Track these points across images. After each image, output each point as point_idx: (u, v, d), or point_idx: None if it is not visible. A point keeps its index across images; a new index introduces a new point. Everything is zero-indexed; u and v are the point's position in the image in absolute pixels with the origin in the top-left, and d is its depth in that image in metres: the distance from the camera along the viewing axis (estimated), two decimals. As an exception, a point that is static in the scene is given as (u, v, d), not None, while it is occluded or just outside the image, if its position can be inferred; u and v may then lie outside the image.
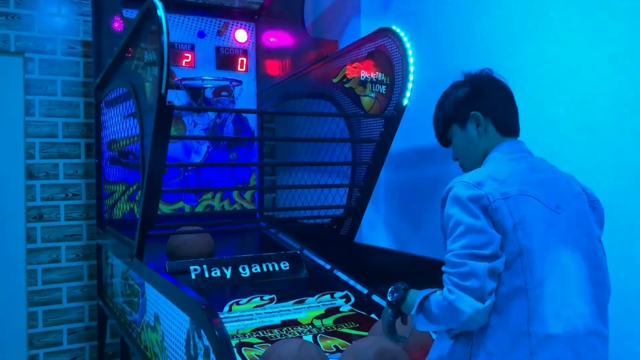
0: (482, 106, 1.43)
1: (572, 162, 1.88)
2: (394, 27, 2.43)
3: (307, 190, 3.34)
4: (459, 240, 1.23)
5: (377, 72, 2.52)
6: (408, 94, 2.36)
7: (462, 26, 2.53)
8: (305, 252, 3.05)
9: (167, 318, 1.96)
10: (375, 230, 3.03)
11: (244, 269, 2.74)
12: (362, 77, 2.62)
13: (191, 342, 1.69)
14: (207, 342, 1.54)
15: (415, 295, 1.35)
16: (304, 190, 3.44)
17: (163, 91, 1.94)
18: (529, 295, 1.22)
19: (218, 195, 3.62)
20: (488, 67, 1.50)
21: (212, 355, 1.48)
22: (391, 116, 2.42)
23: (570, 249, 1.29)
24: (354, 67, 2.68)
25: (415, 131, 2.74)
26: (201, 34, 3.68)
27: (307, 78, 3.13)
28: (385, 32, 2.46)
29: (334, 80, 2.86)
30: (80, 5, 3.64)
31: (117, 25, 2.88)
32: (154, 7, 1.97)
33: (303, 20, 3.23)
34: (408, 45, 2.36)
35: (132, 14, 3.12)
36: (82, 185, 3.69)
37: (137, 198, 3.27)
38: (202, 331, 1.57)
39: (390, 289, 1.45)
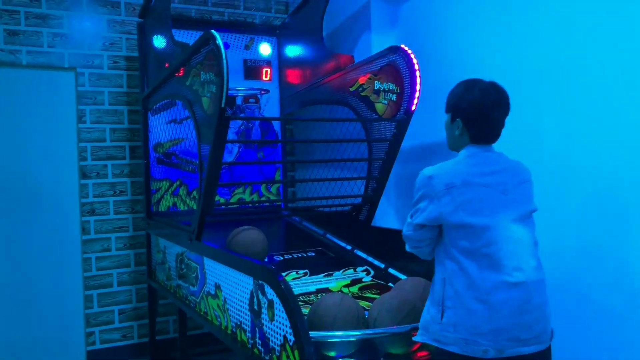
0: (465, 118, 1.86)
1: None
2: (402, 46, 2.92)
3: (327, 183, 3.84)
4: (412, 210, 1.88)
5: (389, 83, 3.02)
6: (415, 101, 2.87)
7: (461, 36, 3.02)
8: (328, 235, 3.57)
9: (228, 284, 2.47)
10: (387, 216, 3.54)
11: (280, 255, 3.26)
12: (376, 86, 3.12)
13: (255, 300, 2.20)
14: (270, 296, 2.04)
15: None
16: (321, 184, 3.94)
17: (223, 105, 2.44)
18: (479, 252, 1.72)
19: (248, 189, 4.14)
20: (492, 81, 1.87)
21: (277, 305, 1.99)
22: (401, 119, 2.93)
23: (518, 219, 1.78)
24: (369, 78, 3.18)
25: (421, 131, 3.25)
26: (226, 46, 4.18)
27: (327, 86, 3.63)
28: (395, 49, 2.96)
29: (351, 89, 3.36)
30: (123, 24, 4.15)
31: (166, 45, 3.38)
32: (212, 38, 2.47)
33: (322, 36, 3.73)
34: (415, 60, 2.86)
35: (177, 33, 3.63)
36: (128, 183, 4.20)
37: (179, 193, 3.79)
38: (265, 287, 2.07)
39: None
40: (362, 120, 3.22)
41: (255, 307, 2.20)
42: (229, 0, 4.52)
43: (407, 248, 1.95)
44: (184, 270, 3.10)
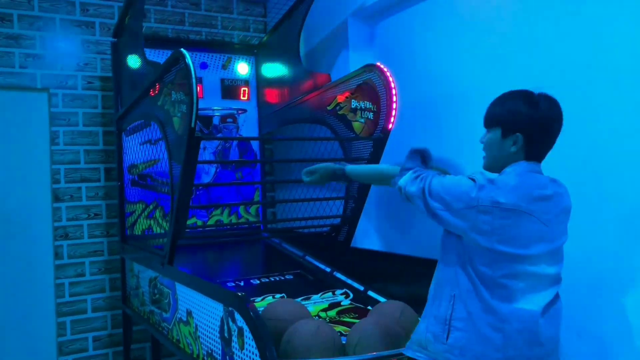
0: (527, 133, 1.65)
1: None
2: (378, 64, 2.89)
3: (306, 203, 3.77)
4: (453, 180, 1.67)
5: (365, 101, 2.98)
6: (392, 119, 2.82)
7: (438, 53, 2.99)
8: (308, 257, 3.48)
9: (199, 311, 2.38)
10: (368, 236, 3.47)
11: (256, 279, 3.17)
12: (353, 105, 3.08)
13: (225, 327, 2.11)
14: (240, 324, 1.95)
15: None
16: (301, 204, 3.87)
17: (193, 125, 2.37)
18: (496, 282, 1.59)
19: (226, 211, 4.05)
20: (546, 93, 1.68)
21: (247, 333, 1.90)
22: (378, 138, 2.88)
23: (549, 253, 1.62)
24: (346, 97, 3.14)
25: (399, 150, 3.19)
26: (204, 66, 4.13)
27: (304, 105, 3.58)
28: (371, 67, 2.92)
29: (328, 108, 3.31)
30: (98, 44, 4.08)
31: (139, 64, 3.31)
32: (182, 57, 2.41)
33: (299, 54, 3.69)
34: (391, 78, 2.82)
35: (152, 53, 3.57)
36: (103, 206, 4.10)
37: (155, 216, 3.70)
38: (235, 314, 1.98)
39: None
40: (338, 139, 3.17)
41: (226, 334, 2.11)
42: (206, 19, 4.48)
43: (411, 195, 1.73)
44: (157, 295, 3.00)
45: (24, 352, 3.84)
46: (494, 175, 1.67)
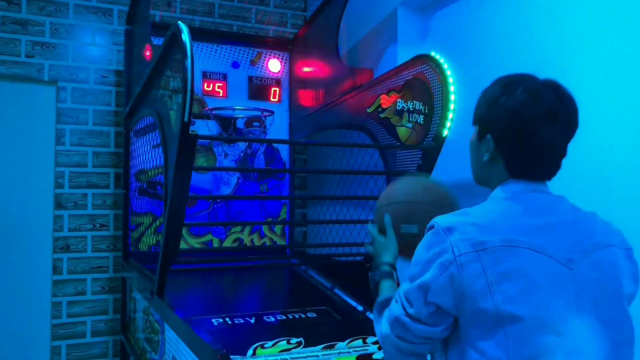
0: (497, 134, 1.16)
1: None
2: (432, 54, 2.28)
3: (343, 225, 3.18)
4: (410, 285, 1.12)
5: (414, 101, 2.37)
6: (448, 124, 2.20)
7: (507, 49, 2.38)
8: (337, 290, 2.88)
9: (184, 363, 1.82)
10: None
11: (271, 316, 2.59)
12: (399, 106, 2.48)
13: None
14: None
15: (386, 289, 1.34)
16: (337, 225, 3.28)
17: (186, 119, 1.83)
18: None
19: (247, 229, 3.50)
20: (551, 79, 1.18)
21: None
22: (429, 147, 2.26)
23: (585, 315, 1.03)
24: (390, 96, 2.54)
25: (455, 163, 2.58)
26: (235, 64, 3.62)
27: (340, 108, 3.01)
28: (423, 59, 2.32)
29: (368, 110, 2.72)
30: (114, 34, 3.63)
31: (148, 53, 2.82)
32: (179, 32, 1.88)
33: (337, 48, 3.12)
34: (448, 72, 2.21)
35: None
36: (111, 216, 3.62)
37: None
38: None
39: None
40: (378, 147, 2.58)
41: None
42: (238, 11, 3.98)
43: (383, 353, 1.23)
44: (148, 330, 2.46)
45: (12, 379, 3.38)
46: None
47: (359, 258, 2.70)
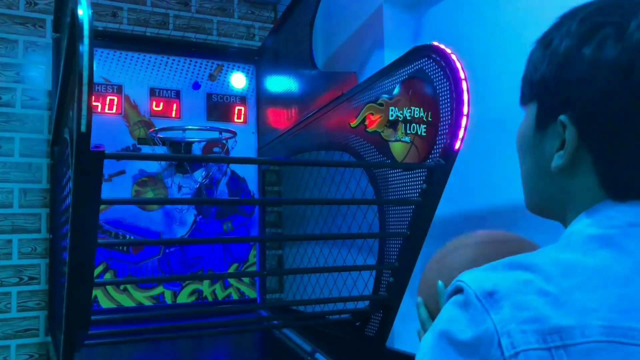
0: (584, 115, 0.63)
1: None
2: (435, 43, 1.72)
3: (325, 274, 2.56)
4: None
5: (413, 107, 1.80)
6: (462, 133, 1.62)
7: (519, 51, 1.84)
8: (318, 355, 2.25)
9: None
10: (414, 327, 2.22)
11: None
12: (391, 115, 1.90)
13: None
14: None
15: None
16: (318, 274, 2.66)
17: (83, 129, 1.23)
18: None
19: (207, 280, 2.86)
20: None
21: None
22: (437, 166, 1.67)
23: None
24: (379, 104, 1.97)
25: (463, 189, 2.00)
26: (190, 80, 3.04)
27: (318, 125, 2.43)
28: (424, 50, 1.76)
29: (352, 125, 2.14)
30: (48, 48, 3.04)
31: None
32: (76, 6, 1.29)
33: (312, 53, 2.57)
34: (459, 65, 1.64)
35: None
36: (42, 266, 2.97)
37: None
38: None
39: None
40: (371, 166, 1.98)
41: None
42: (197, 23, 3.43)
43: None
44: None
45: None
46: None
47: (345, 316, 2.07)
